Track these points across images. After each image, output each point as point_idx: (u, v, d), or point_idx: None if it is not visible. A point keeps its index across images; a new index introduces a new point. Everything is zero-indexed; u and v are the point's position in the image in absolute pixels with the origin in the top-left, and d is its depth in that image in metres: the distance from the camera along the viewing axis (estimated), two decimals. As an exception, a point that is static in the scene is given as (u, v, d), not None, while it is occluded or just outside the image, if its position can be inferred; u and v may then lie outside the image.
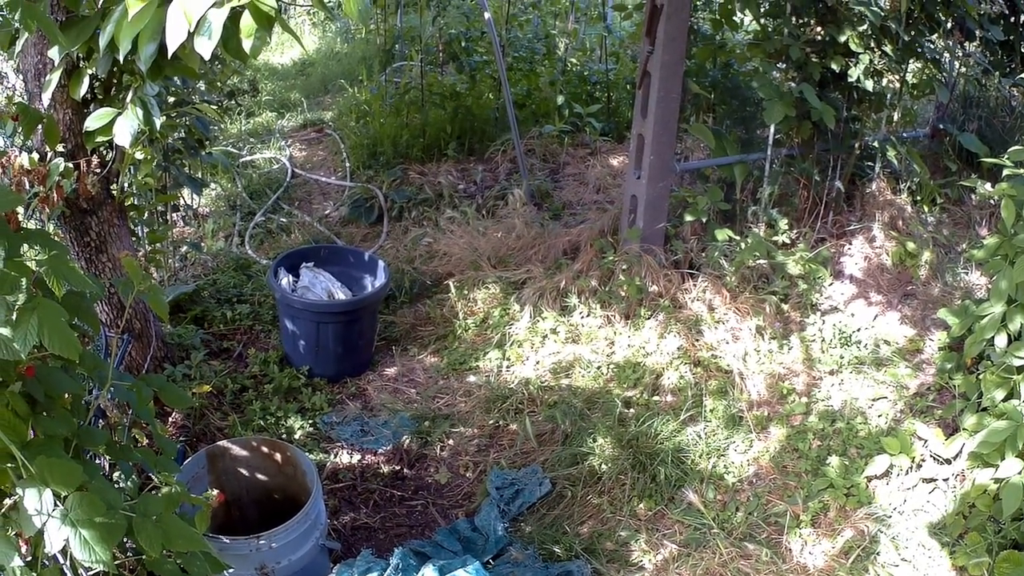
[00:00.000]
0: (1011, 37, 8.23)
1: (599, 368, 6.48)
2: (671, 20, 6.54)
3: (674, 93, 6.79)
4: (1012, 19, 8.19)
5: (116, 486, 3.31)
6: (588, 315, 6.93)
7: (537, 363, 6.65)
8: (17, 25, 3.23)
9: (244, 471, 4.91)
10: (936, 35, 7.91)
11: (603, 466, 5.54)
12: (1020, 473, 4.39)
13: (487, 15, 9.04)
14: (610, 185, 9.43)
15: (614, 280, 7.06)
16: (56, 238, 5.14)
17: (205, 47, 2.70)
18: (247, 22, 2.75)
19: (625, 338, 6.70)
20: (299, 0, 2.83)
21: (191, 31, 2.67)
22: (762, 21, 7.72)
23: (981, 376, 5.04)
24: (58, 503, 2.43)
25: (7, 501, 2.63)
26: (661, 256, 7.09)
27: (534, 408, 6.22)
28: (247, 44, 2.78)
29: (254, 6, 2.71)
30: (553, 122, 10.49)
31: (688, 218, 7.16)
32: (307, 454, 5.32)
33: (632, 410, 6.03)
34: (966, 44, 8.37)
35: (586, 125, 10.60)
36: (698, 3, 8.05)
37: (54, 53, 4.48)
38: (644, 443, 5.67)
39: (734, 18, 7.94)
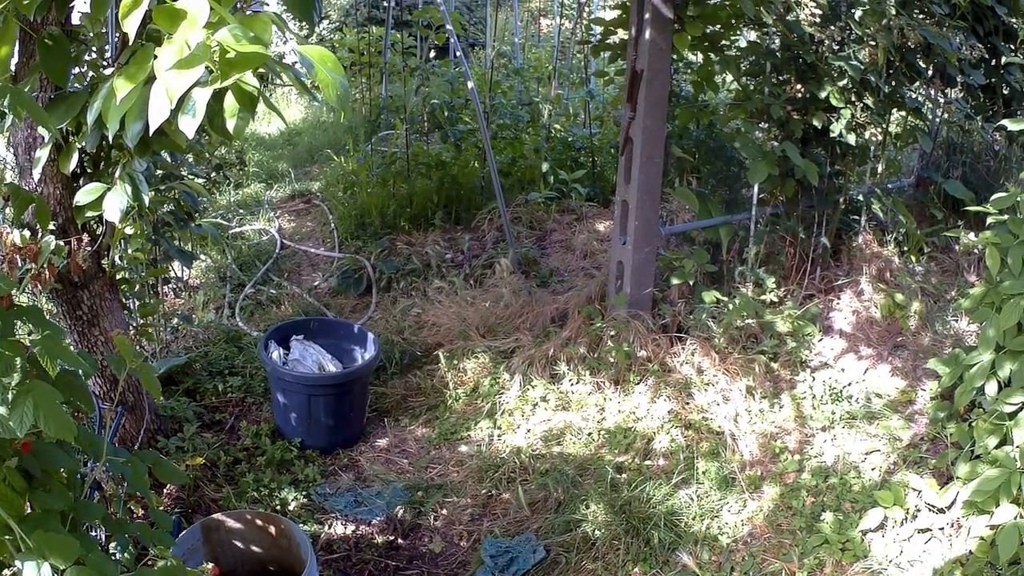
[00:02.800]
0: (992, 80, 8.30)
1: (590, 434, 6.48)
2: (651, 85, 6.61)
3: (657, 158, 6.84)
4: (992, 62, 8.26)
5: (112, 558, 3.31)
6: (578, 382, 6.94)
7: (528, 431, 6.64)
8: (5, 109, 3.26)
9: (239, 544, 4.90)
10: (917, 84, 7.98)
11: (596, 532, 5.52)
12: (1015, 519, 4.40)
13: (470, 84, 9.12)
14: (597, 250, 9.46)
15: (603, 346, 7.07)
16: (47, 311, 5.17)
17: (190, 126, 2.73)
18: (230, 102, 2.78)
19: (615, 404, 6.70)
20: (282, 79, 2.84)
21: (173, 108, 2.70)
22: (743, 81, 7.79)
23: (973, 424, 5.06)
24: (57, 576, 2.44)
25: (6, 572, 2.63)
26: (649, 321, 7.11)
27: (526, 476, 6.21)
28: (231, 124, 2.81)
29: (237, 87, 2.74)
30: (538, 189, 10.54)
31: (675, 281, 7.19)
32: (301, 526, 5.32)
33: (624, 475, 6.03)
34: (947, 91, 8.45)
35: (571, 191, 10.65)
36: (679, 65, 8.13)
37: (44, 129, 4.53)
38: (637, 508, 5.66)
39: (715, 79, 8.01)
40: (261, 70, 2.80)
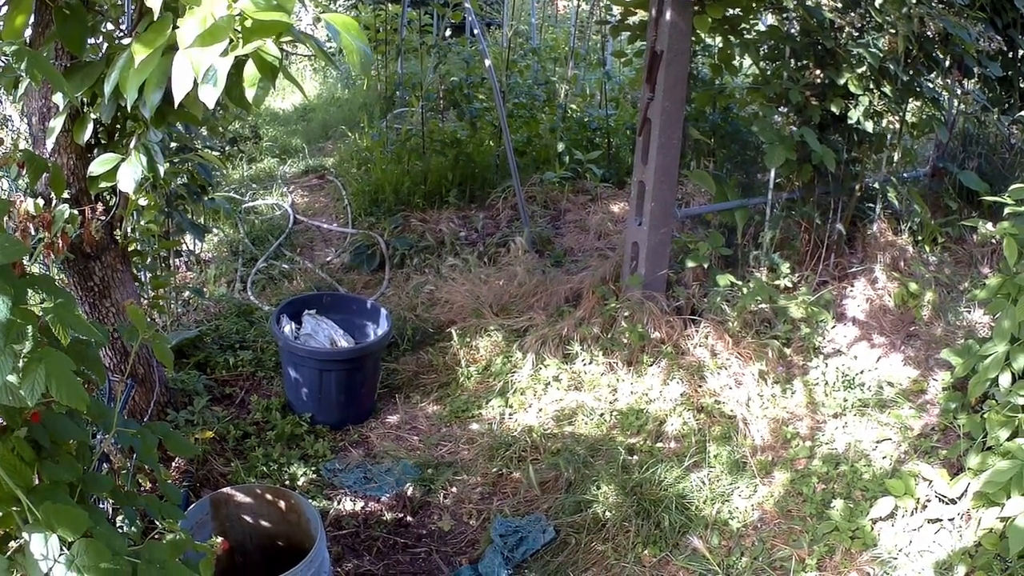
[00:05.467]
0: (1009, 73, 8.27)
1: (602, 415, 6.47)
2: (671, 67, 6.57)
3: (675, 139, 6.82)
4: (1010, 55, 8.23)
5: (120, 530, 3.30)
6: (591, 362, 6.93)
7: (540, 411, 6.63)
8: (21, 73, 3.24)
9: (248, 518, 4.89)
10: (935, 74, 7.95)
11: (607, 513, 5.51)
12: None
13: (487, 62, 9.09)
14: (611, 231, 9.45)
15: (616, 327, 7.06)
16: (59, 283, 5.16)
17: (210, 95, 2.71)
18: (251, 71, 2.76)
19: (628, 385, 6.69)
20: (301, 48, 2.85)
21: (198, 80, 2.67)
22: (761, 65, 7.76)
23: (985, 415, 5.03)
24: (64, 549, 2.42)
25: (12, 544, 2.62)
26: (663, 302, 7.09)
27: (537, 456, 6.20)
28: (250, 93, 2.79)
29: (258, 56, 2.72)
30: (554, 169, 10.52)
31: (690, 264, 7.17)
32: (310, 501, 5.31)
33: (635, 457, 6.01)
34: (965, 82, 8.41)
35: (587, 171, 10.64)
36: (697, 48, 8.09)
37: (58, 98, 4.51)
38: (648, 490, 5.64)
39: (733, 63, 7.98)
40: (284, 40, 2.78)
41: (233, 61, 2.70)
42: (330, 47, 10.74)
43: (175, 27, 2.72)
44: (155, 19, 2.95)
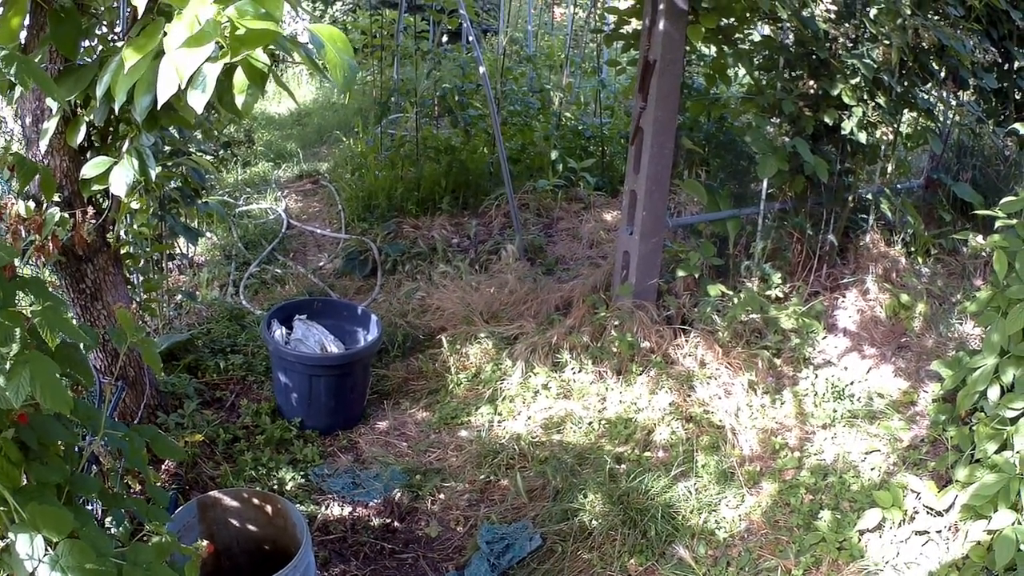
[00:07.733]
0: (1004, 85, 8.28)
1: (590, 424, 6.47)
2: (664, 76, 6.59)
3: (667, 149, 6.82)
4: (1005, 67, 8.24)
5: (108, 532, 3.30)
6: (580, 371, 6.92)
7: (528, 418, 6.63)
8: (12, 78, 3.24)
9: (235, 522, 4.89)
10: (929, 85, 7.96)
11: (594, 522, 5.51)
12: (1013, 524, 4.39)
13: (482, 69, 9.10)
14: (603, 240, 9.45)
15: (606, 336, 7.06)
16: (51, 285, 5.16)
17: (199, 101, 2.72)
18: (240, 78, 2.77)
19: (617, 394, 6.69)
20: (292, 58, 2.85)
21: (182, 85, 2.68)
22: (755, 75, 7.76)
23: (974, 428, 5.04)
24: (49, 549, 2.43)
25: (-1, 543, 2.63)
26: (653, 312, 7.09)
27: (525, 463, 6.20)
28: (240, 100, 2.79)
29: (247, 62, 2.73)
30: (547, 177, 10.52)
31: (680, 273, 7.18)
32: (298, 506, 5.31)
33: (623, 466, 6.01)
34: (960, 93, 8.42)
35: (580, 180, 10.63)
36: (691, 58, 8.10)
37: (52, 101, 4.51)
38: (635, 499, 5.64)
39: (727, 72, 7.99)
40: (272, 48, 2.79)
41: (223, 68, 2.71)
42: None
43: (167, 33, 2.73)
44: (140, 16, 2.96)
